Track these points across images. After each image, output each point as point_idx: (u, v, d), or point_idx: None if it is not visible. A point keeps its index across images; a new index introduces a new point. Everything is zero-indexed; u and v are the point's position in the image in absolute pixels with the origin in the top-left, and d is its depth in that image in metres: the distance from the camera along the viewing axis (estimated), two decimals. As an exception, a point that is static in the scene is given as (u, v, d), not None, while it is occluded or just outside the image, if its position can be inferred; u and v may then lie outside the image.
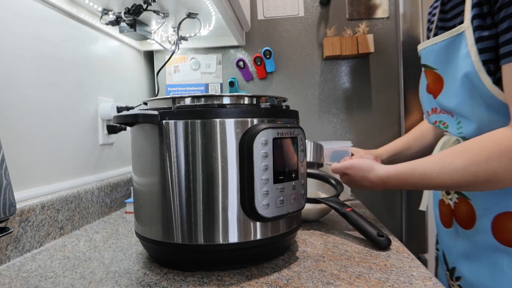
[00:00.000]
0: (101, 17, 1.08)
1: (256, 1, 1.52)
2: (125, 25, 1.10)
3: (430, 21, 0.87)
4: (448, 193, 0.81)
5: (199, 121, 0.57)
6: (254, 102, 0.63)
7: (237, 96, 0.62)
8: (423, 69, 0.84)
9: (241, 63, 1.52)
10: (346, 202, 1.13)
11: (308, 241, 0.75)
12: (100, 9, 1.05)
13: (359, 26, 1.42)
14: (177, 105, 0.61)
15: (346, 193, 1.13)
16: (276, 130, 0.60)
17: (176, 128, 0.58)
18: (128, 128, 0.67)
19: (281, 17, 1.51)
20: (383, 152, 1.09)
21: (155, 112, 0.59)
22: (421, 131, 1.07)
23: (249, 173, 0.57)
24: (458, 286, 0.78)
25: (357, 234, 0.79)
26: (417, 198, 1.42)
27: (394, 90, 1.45)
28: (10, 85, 0.76)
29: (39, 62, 0.85)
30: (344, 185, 0.87)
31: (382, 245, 0.69)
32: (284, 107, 0.68)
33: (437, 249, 0.92)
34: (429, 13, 0.88)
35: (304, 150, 0.68)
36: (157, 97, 0.64)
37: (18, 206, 0.71)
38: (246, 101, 0.62)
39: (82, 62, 1.03)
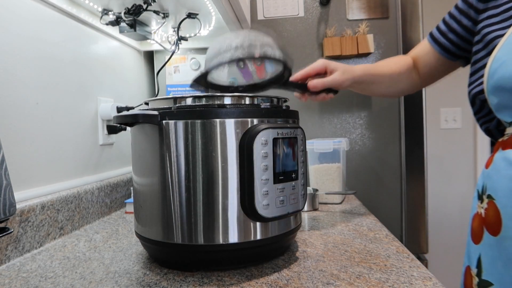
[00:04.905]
0: (101, 17, 1.08)
1: (256, 1, 1.52)
2: (125, 25, 1.10)
3: None
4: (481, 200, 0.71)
5: (199, 121, 0.57)
6: (254, 102, 0.63)
7: (237, 96, 0.62)
8: None
9: (241, 63, 1.52)
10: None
11: (308, 241, 0.75)
12: (100, 9, 1.05)
13: (359, 26, 1.43)
14: (177, 105, 0.61)
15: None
16: (276, 130, 0.60)
17: (176, 128, 0.58)
18: (128, 128, 0.67)
19: (281, 17, 1.51)
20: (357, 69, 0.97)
21: (155, 112, 0.59)
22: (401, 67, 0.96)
23: (249, 173, 0.57)
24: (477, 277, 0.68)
25: (357, 234, 0.79)
26: (417, 198, 1.42)
27: (394, 90, 1.44)
28: (10, 85, 0.76)
29: (39, 62, 0.85)
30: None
31: None
32: (284, 107, 0.69)
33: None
34: None
35: (304, 150, 0.68)
36: (157, 97, 0.64)
37: (18, 206, 0.71)
38: (246, 101, 0.62)
39: (82, 62, 1.03)
